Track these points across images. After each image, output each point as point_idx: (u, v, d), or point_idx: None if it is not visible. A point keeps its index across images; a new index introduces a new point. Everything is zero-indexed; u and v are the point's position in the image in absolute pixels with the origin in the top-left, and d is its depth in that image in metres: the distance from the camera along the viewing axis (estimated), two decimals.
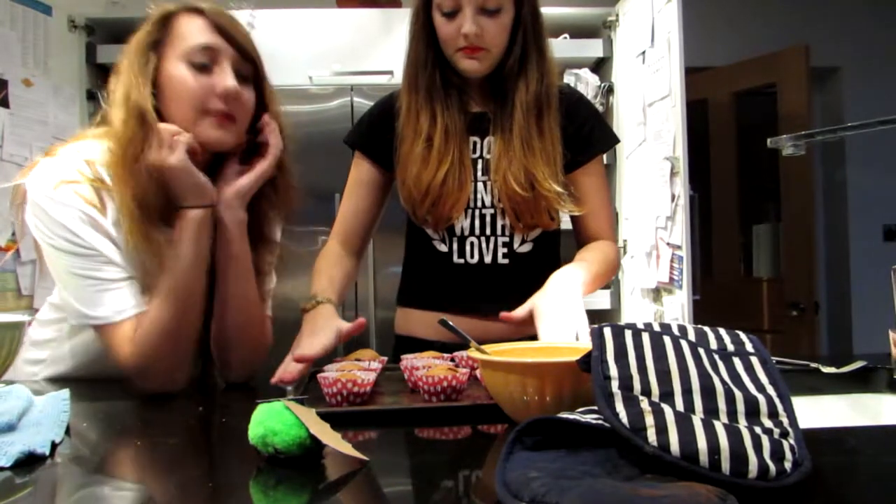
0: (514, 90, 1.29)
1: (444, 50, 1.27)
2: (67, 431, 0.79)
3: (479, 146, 1.33)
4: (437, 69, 1.29)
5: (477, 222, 1.32)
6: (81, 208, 1.00)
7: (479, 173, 1.32)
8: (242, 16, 1.23)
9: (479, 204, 1.32)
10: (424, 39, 1.28)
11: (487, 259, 1.32)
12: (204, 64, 1.04)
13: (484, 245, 1.33)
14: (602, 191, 1.38)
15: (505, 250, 1.32)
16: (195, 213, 1.03)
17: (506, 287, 1.29)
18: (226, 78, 1.04)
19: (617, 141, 1.43)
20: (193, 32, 1.05)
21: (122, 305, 1.01)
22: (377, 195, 1.39)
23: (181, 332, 1.02)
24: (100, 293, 1.01)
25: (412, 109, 1.30)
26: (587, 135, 1.35)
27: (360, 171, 1.38)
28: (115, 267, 1.02)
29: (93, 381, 1.12)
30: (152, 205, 1.01)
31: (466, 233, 1.32)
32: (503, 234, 1.31)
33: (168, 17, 1.06)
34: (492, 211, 1.31)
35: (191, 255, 1.02)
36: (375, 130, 1.36)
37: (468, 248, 1.33)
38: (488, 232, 1.32)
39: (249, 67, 1.09)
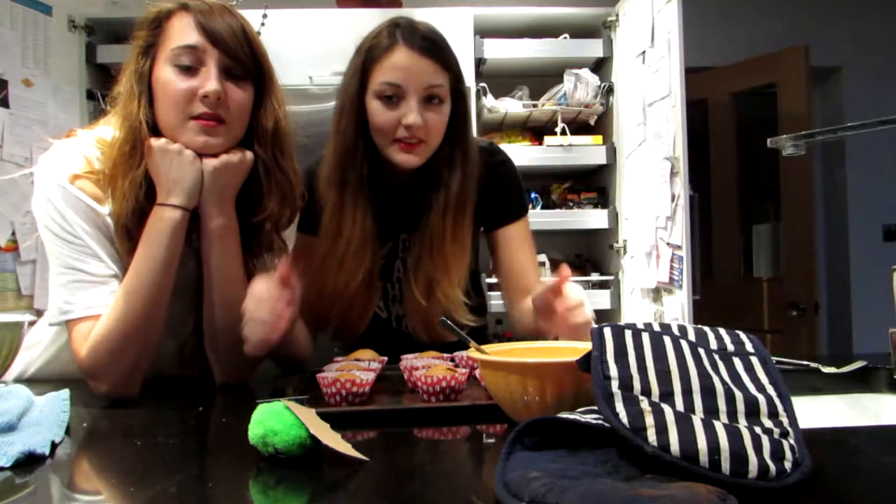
0: (435, 189, 1.23)
1: (377, 139, 1.19)
2: (67, 431, 0.79)
3: (409, 242, 1.29)
4: (366, 162, 1.21)
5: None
6: (85, 200, 1.00)
7: (402, 272, 1.30)
8: (255, 15, 1.21)
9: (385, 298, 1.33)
10: (355, 127, 1.19)
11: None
12: (189, 65, 1.00)
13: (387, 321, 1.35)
14: (526, 246, 1.34)
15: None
16: (175, 213, 1.00)
17: (446, 349, 1.19)
18: (209, 80, 0.99)
19: (526, 212, 1.36)
20: (179, 33, 1.01)
21: (93, 302, 0.99)
22: None
23: (138, 336, 0.98)
24: (76, 284, 0.99)
25: (337, 207, 1.21)
26: (507, 202, 1.33)
27: (301, 246, 1.26)
28: (100, 263, 1.00)
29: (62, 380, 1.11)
30: (130, 223, 1.00)
31: (402, 314, 1.34)
32: None
33: (161, 18, 1.03)
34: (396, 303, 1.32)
35: (162, 256, 0.98)
36: (308, 207, 1.22)
37: (404, 325, 1.34)
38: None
39: (241, 65, 1.03)
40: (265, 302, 0.97)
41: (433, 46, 1.17)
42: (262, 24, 1.17)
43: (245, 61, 1.03)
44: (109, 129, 1.05)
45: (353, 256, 1.21)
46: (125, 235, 1.01)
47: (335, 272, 1.22)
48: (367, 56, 1.18)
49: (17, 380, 1.15)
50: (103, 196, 1.02)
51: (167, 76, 1.00)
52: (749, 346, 0.69)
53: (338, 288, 1.23)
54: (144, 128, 1.00)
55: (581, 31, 2.80)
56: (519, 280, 1.32)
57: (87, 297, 0.99)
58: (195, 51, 1.00)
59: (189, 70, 1.00)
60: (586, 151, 2.74)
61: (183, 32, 1.01)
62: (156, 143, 1.00)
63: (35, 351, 1.16)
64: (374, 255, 1.24)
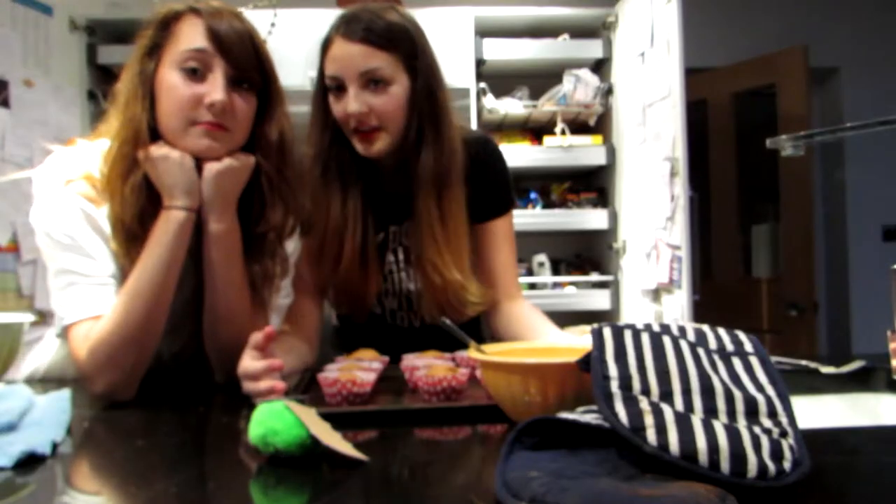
0: (414, 173, 1.20)
1: (343, 131, 1.19)
2: (68, 431, 0.79)
3: (399, 233, 1.29)
4: (333, 154, 1.21)
5: (404, 303, 1.33)
6: (80, 203, 1.00)
7: (403, 262, 1.30)
8: (265, 17, 1.21)
9: (405, 289, 1.31)
10: (322, 122, 1.21)
11: (416, 324, 1.34)
12: (195, 68, 0.99)
13: (412, 317, 1.34)
14: (508, 243, 1.33)
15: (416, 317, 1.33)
16: (179, 214, 0.99)
17: (442, 340, 1.18)
18: (215, 89, 0.98)
19: (512, 207, 1.35)
20: (188, 36, 1.00)
21: (91, 303, 0.98)
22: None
23: (139, 338, 0.97)
24: (74, 287, 0.99)
25: (316, 200, 1.21)
26: (494, 195, 1.31)
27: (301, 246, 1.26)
28: (97, 264, 1.00)
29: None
30: (133, 225, 0.99)
31: (396, 308, 1.33)
32: None
33: (168, 20, 1.02)
34: (416, 294, 1.31)
35: (164, 258, 0.98)
36: None
37: (398, 319, 1.35)
38: (415, 308, 1.33)
39: (248, 75, 1.02)
40: (256, 381, 0.91)
41: (367, 31, 1.13)
42: (270, 33, 1.17)
43: (251, 72, 1.03)
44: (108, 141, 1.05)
45: (330, 244, 1.22)
46: (127, 238, 1.00)
47: (321, 262, 1.23)
48: (320, 54, 1.19)
49: (29, 380, 1.16)
50: (98, 198, 1.01)
51: (173, 80, 0.99)
52: (748, 346, 0.69)
53: (326, 278, 1.24)
54: (146, 131, 0.99)
55: (581, 31, 2.80)
56: (499, 279, 1.31)
57: (85, 299, 0.99)
58: (202, 55, 0.99)
59: (195, 74, 0.99)
60: (586, 151, 2.74)
61: (191, 36, 1.00)
62: (142, 154, 0.99)
63: (48, 352, 1.16)
64: (356, 243, 1.22)
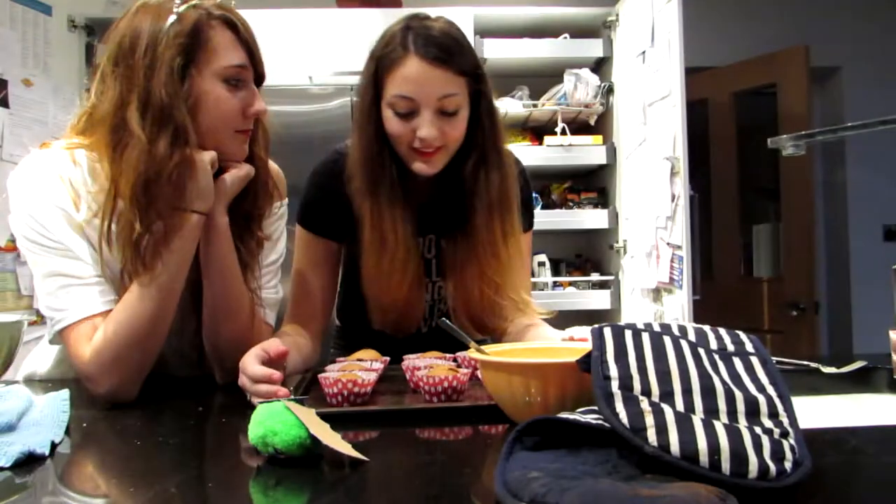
0: (475, 193, 1.20)
1: (395, 146, 1.16)
2: (67, 431, 0.79)
3: (432, 245, 1.29)
4: (393, 165, 1.18)
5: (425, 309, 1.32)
6: (58, 204, 0.98)
7: (433, 274, 1.29)
8: (247, 14, 1.21)
9: (433, 298, 1.31)
10: (376, 137, 1.16)
11: (424, 330, 1.34)
12: (238, 81, 1.02)
13: (422, 323, 1.33)
14: (526, 257, 1.34)
15: (434, 323, 1.34)
16: (196, 217, 1.00)
17: (441, 343, 1.19)
18: (257, 100, 1.05)
19: (532, 225, 1.38)
20: (228, 49, 1.01)
21: (86, 304, 0.97)
22: (335, 268, 1.31)
23: (144, 341, 0.97)
24: (65, 289, 0.97)
25: (375, 219, 1.18)
26: (523, 212, 1.31)
27: (315, 250, 1.27)
28: (85, 265, 0.98)
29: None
30: (154, 228, 0.98)
31: None
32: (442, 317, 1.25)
33: (200, 27, 0.99)
34: (432, 305, 1.31)
35: (176, 260, 0.99)
36: (327, 210, 1.25)
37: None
38: (435, 315, 1.33)
39: (263, 78, 1.09)
40: (259, 383, 0.91)
41: (446, 54, 1.10)
42: None
43: (263, 75, 1.08)
44: (84, 141, 1.02)
45: (401, 267, 1.19)
46: (144, 244, 0.97)
47: (385, 283, 1.21)
48: (380, 64, 1.14)
49: (29, 380, 1.16)
50: (79, 201, 0.99)
51: (219, 92, 1.01)
52: (749, 346, 0.69)
53: (387, 298, 1.22)
54: (195, 138, 0.99)
55: (581, 31, 2.80)
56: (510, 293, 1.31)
57: (80, 300, 0.97)
58: (243, 70, 1.03)
59: (236, 85, 1.03)
60: (586, 151, 2.74)
61: (232, 49, 1.02)
62: (182, 157, 0.98)
63: (47, 352, 1.16)
64: (417, 259, 1.23)
